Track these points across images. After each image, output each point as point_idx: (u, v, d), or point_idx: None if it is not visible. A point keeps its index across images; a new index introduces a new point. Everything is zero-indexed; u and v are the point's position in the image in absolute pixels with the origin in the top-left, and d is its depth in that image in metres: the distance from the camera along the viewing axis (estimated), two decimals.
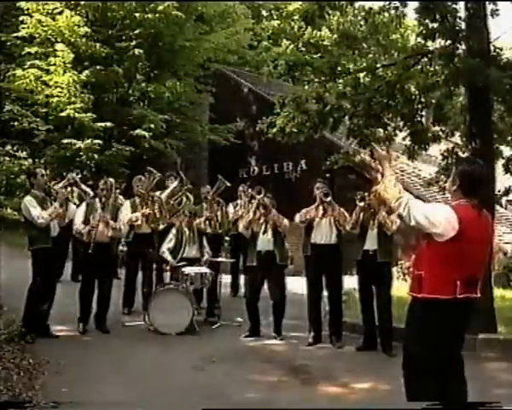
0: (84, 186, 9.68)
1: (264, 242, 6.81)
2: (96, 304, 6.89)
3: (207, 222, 8.39)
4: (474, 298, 3.53)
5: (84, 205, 7.07)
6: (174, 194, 8.18)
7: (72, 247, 9.75)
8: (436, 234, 3.40)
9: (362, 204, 6.32)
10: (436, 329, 3.47)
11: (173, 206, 8.10)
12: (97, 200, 6.95)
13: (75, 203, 7.85)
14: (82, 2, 15.20)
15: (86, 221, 6.76)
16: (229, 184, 8.83)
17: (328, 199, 6.54)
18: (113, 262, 7.24)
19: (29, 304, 6.20)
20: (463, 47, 7.00)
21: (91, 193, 9.36)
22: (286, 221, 6.80)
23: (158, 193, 8.20)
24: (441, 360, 3.52)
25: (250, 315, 6.97)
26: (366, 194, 6.35)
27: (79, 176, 9.78)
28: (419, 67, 7.58)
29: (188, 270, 7.18)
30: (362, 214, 6.38)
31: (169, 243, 7.57)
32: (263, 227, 6.80)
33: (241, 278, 9.51)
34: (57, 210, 6.22)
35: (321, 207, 6.62)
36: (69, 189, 9.05)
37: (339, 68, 7.88)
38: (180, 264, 7.33)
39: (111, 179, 9.27)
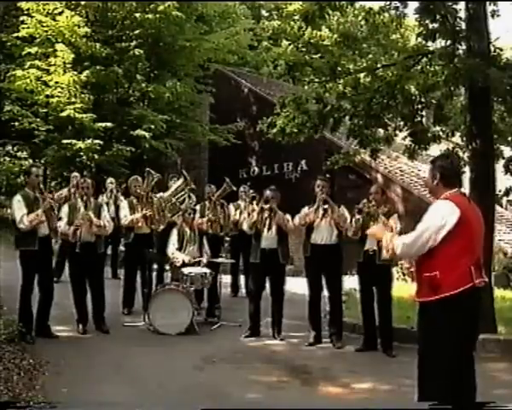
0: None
1: (269, 239, 6.84)
2: (91, 304, 6.89)
3: (209, 223, 8.39)
4: (484, 283, 3.63)
5: (66, 206, 7.04)
6: (178, 193, 8.17)
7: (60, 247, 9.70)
8: (446, 229, 3.48)
9: (359, 216, 6.33)
10: (457, 324, 3.48)
11: (175, 205, 8.09)
12: (79, 199, 6.94)
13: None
14: (82, 3, 15.19)
15: (70, 222, 6.71)
16: (235, 189, 8.84)
17: (326, 206, 6.56)
18: (100, 261, 7.19)
19: (21, 305, 6.22)
20: (463, 47, 7.00)
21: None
22: (291, 224, 6.82)
23: (161, 193, 8.21)
24: (459, 358, 3.53)
25: (252, 312, 6.98)
26: (364, 201, 6.35)
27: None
28: (419, 67, 7.58)
29: (188, 270, 7.18)
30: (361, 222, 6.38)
31: (174, 243, 7.56)
32: (267, 224, 6.82)
33: (242, 279, 9.53)
34: (39, 218, 6.14)
35: (321, 209, 6.63)
36: (73, 190, 9.12)
37: (339, 69, 7.86)
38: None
39: (112, 179, 9.34)
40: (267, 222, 6.82)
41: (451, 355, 3.49)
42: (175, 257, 7.42)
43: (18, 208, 6.15)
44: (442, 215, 3.50)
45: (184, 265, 7.31)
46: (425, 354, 3.61)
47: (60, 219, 6.77)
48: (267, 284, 7.01)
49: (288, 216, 6.85)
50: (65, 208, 6.97)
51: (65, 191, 9.26)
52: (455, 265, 3.48)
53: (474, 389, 3.64)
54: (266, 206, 6.82)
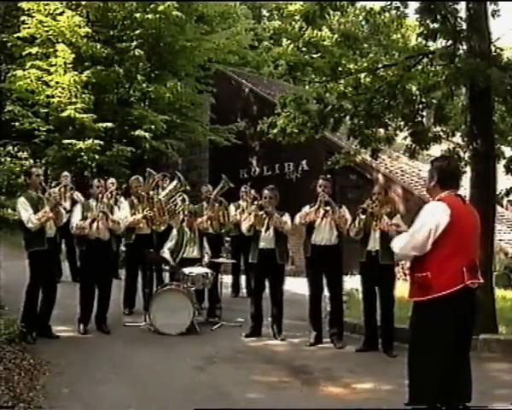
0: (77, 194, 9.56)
1: (266, 240, 6.83)
2: (96, 304, 6.88)
3: (209, 222, 8.37)
4: (478, 285, 3.62)
5: (79, 205, 7.05)
6: (172, 195, 8.13)
7: (68, 247, 9.70)
8: (439, 230, 3.48)
9: (364, 216, 6.33)
10: (448, 324, 3.48)
11: (170, 207, 8.07)
12: (91, 200, 6.94)
13: (65, 208, 7.63)
14: (83, 3, 15.22)
15: (84, 219, 6.70)
16: (233, 186, 8.81)
17: (328, 208, 6.55)
18: (112, 261, 7.20)
19: (26, 305, 6.20)
20: (464, 47, 6.99)
21: (82, 198, 9.34)
22: (288, 225, 6.80)
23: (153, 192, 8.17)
24: (450, 358, 3.52)
25: (254, 312, 6.98)
26: (368, 201, 6.35)
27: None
28: (420, 67, 7.57)
29: (188, 270, 7.18)
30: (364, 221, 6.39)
31: (170, 243, 7.57)
32: (265, 225, 6.82)
33: (243, 279, 9.53)
34: (47, 214, 6.16)
35: (321, 209, 6.62)
36: (63, 189, 9.12)
37: (339, 68, 7.85)
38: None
39: (113, 180, 9.31)
40: (265, 222, 6.83)
41: (441, 356, 3.48)
42: (165, 256, 7.49)
43: (24, 209, 6.15)
44: (434, 216, 3.51)
45: (182, 264, 7.31)
46: (415, 353, 3.62)
47: (68, 219, 6.80)
48: (267, 284, 7.01)
49: (288, 216, 6.84)
50: (78, 207, 6.96)
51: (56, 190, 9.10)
52: (446, 266, 3.47)
53: (469, 392, 3.61)
54: (260, 212, 6.84)
